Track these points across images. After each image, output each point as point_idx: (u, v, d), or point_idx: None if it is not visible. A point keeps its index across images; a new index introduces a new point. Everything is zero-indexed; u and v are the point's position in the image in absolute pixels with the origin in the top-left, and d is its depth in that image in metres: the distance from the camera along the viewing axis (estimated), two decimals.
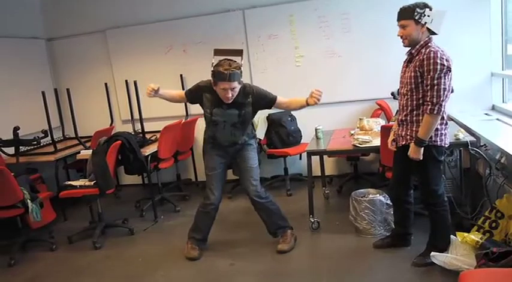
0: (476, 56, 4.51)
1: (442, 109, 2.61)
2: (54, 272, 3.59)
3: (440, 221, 2.92)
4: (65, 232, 4.21)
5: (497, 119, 3.94)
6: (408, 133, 2.80)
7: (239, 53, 3.27)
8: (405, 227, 3.23)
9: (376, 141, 3.56)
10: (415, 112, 2.74)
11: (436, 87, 2.58)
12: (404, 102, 2.80)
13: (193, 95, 3.36)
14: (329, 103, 5.04)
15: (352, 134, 3.96)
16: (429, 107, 2.61)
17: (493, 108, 4.52)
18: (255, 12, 5.07)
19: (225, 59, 3.13)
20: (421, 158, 2.73)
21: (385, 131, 3.38)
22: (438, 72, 2.56)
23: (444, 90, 2.58)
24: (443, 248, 2.90)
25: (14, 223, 3.93)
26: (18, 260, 3.79)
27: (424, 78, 2.62)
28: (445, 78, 2.58)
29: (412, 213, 3.21)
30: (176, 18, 5.26)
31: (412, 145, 2.74)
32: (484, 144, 3.41)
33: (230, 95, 3.12)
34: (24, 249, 4.01)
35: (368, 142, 3.61)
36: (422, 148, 2.71)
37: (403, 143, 2.84)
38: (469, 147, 3.28)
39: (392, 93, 4.49)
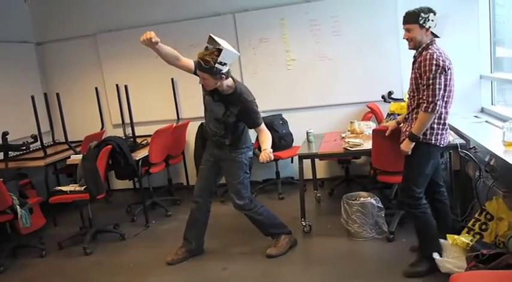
0: (465, 58, 4.54)
1: (437, 108, 2.67)
2: (44, 278, 3.56)
3: (421, 225, 2.91)
4: (55, 238, 4.17)
5: (486, 121, 3.98)
6: (408, 129, 2.86)
7: (219, 51, 2.97)
8: (439, 231, 2.95)
9: (367, 144, 3.57)
10: (415, 110, 2.81)
11: (431, 86, 2.66)
12: (410, 102, 2.90)
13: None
14: (320, 106, 5.08)
15: (343, 137, 3.97)
16: (424, 105, 2.69)
17: (482, 110, 4.56)
18: (246, 16, 5.07)
19: (214, 48, 2.98)
20: (410, 153, 2.80)
21: (376, 134, 3.39)
22: (433, 72, 2.65)
23: (439, 90, 2.66)
24: (430, 254, 2.87)
25: (3, 229, 3.89)
26: (8, 267, 3.75)
27: (422, 78, 2.70)
28: (440, 78, 2.66)
29: (444, 215, 3.06)
30: (167, 22, 5.25)
31: (406, 139, 2.83)
32: (474, 147, 3.44)
33: (202, 82, 3.10)
34: (13, 255, 3.97)
35: (359, 145, 3.62)
36: (414, 143, 2.78)
37: (403, 138, 2.90)
38: (459, 149, 3.31)
39: (383, 96, 4.53)
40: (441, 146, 2.84)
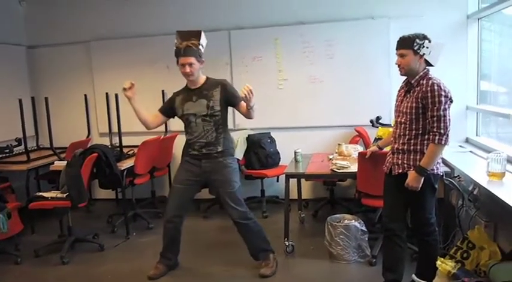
0: (453, 90, 4.55)
1: (449, 139, 2.65)
2: None
3: (432, 251, 2.89)
4: (32, 245, 4.06)
5: (471, 152, 4.05)
6: (405, 162, 2.76)
7: (198, 34, 3.24)
8: (396, 272, 2.90)
9: (354, 167, 3.59)
10: (413, 141, 2.73)
11: (443, 118, 2.61)
12: (402, 131, 2.79)
13: (167, 106, 3.47)
14: (309, 127, 5.12)
15: (330, 159, 4.00)
16: (437, 138, 2.61)
17: (467, 140, 4.64)
18: (240, 34, 5.13)
19: (193, 31, 3.22)
20: (420, 188, 2.69)
21: (362, 157, 3.42)
22: (443, 104, 2.61)
23: (449, 121, 2.64)
24: (431, 278, 2.83)
25: None
26: None
27: (429, 110, 2.64)
28: (449, 109, 2.64)
29: (406, 255, 2.96)
30: (161, 34, 5.27)
31: (412, 173, 2.69)
32: (458, 175, 3.49)
33: (188, 70, 3.16)
34: None
35: (346, 167, 3.64)
36: (423, 178, 2.67)
37: (400, 171, 2.78)
38: (444, 177, 3.35)
39: (371, 121, 4.59)
40: (440, 174, 2.82)
